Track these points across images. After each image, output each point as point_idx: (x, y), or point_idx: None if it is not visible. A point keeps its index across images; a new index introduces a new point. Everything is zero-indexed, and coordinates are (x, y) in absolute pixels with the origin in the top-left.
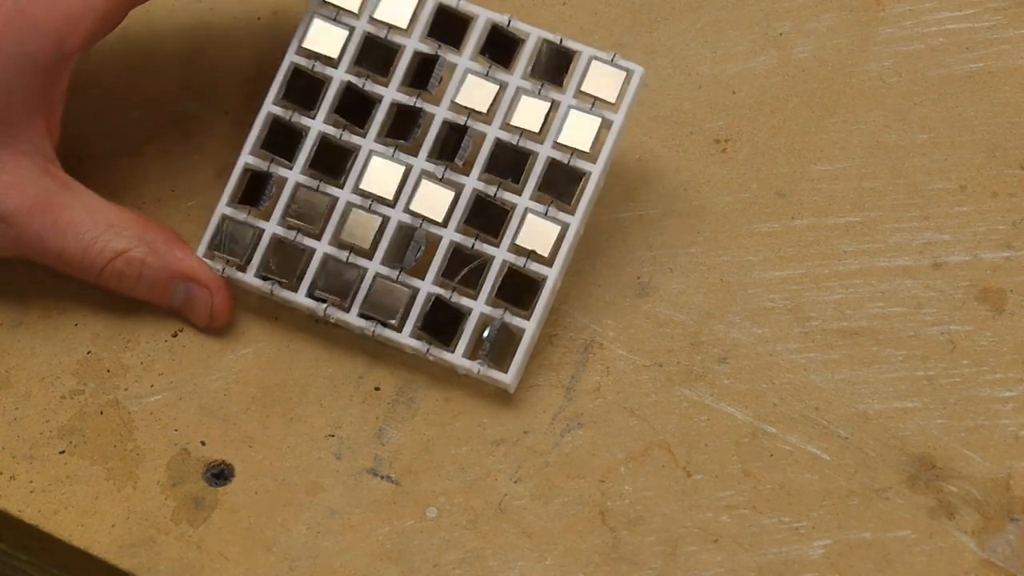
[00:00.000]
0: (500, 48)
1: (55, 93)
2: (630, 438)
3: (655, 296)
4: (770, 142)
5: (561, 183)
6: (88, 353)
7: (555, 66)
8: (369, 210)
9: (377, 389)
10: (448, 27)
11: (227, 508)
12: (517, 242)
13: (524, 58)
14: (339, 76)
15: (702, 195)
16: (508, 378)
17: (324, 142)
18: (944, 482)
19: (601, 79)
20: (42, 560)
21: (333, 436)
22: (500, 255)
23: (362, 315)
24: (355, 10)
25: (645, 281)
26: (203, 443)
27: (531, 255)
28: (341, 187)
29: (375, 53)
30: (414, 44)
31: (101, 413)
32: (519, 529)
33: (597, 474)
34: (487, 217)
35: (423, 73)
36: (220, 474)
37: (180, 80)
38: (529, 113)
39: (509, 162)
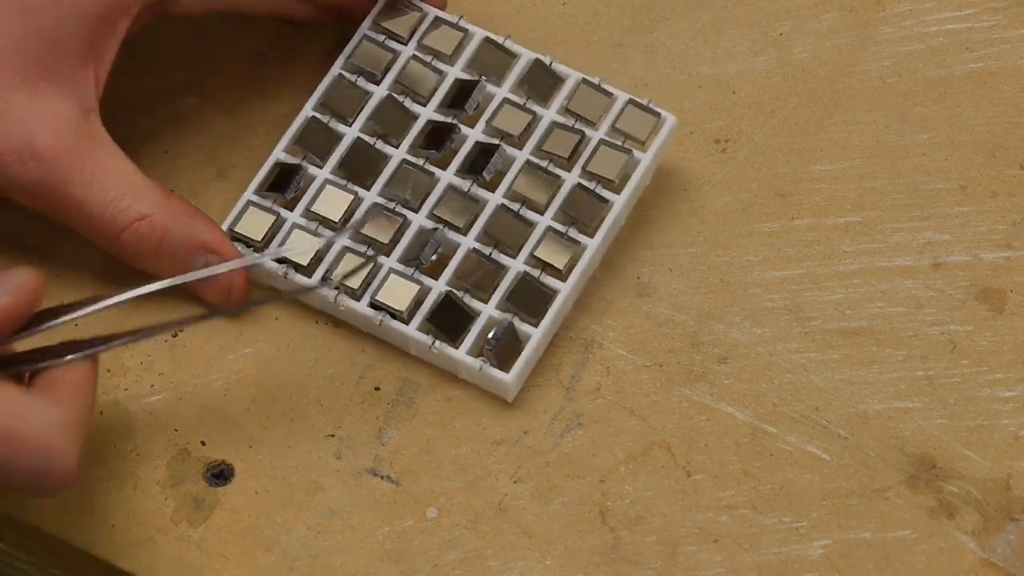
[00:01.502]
0: (539, 83)
1: (108, 44)
2: (630, 438)
3: (655, 296)
4: (770, 142)
5: (584, 208)
6: None
7: (591, 105)
8: (393, 211)
9: (377, 389)
10: (491, 60)
11: (227, 508)
12: (535, 254)
13: (562, 94)
14: (380, 92)
15: (702, 195)
16: (508, 379)
17: (357, 147)
18: (944, 482)
19: (635, 121)
20: (42, 560)
21: (333, 436)
22: (516, 266)
23: (371, 305)
24: (404, 35)
25: (645, 281)
26: (203, 443)
27: (546, 268)
28: (368, 189)
29: (417, 76)
30: (456, 72)
31: (101, 413)
32: (519, 529)
33: (597, 474)
34: (508, 230)
35: (462, 96)
36: (220, 474)
37: (180, 80)
38: (560, 142)
39: (536, 183)
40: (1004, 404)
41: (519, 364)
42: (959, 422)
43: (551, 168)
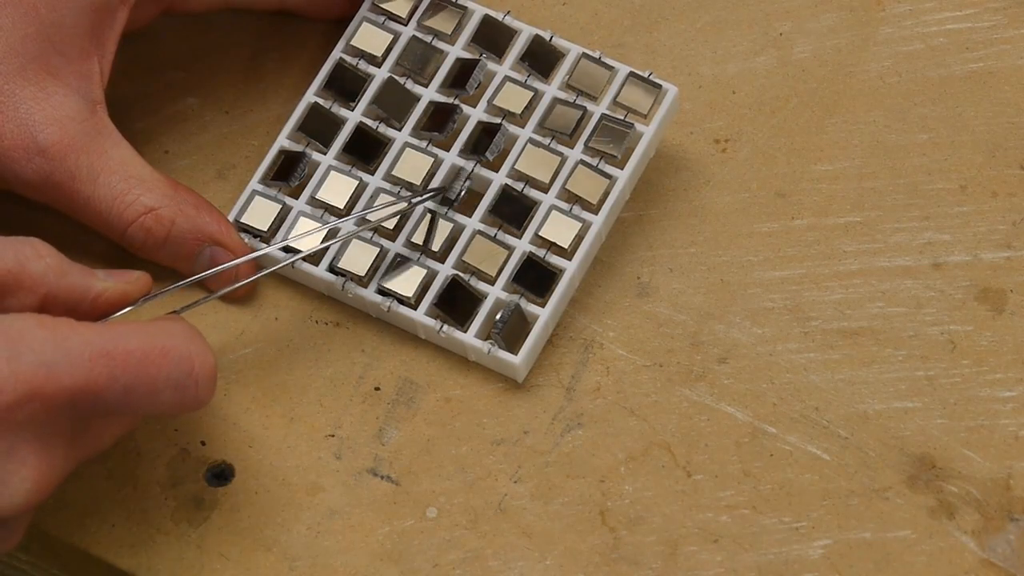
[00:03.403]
0: (540, 59)
1: (110, 35)
2: (630, 438)
3: (655, 296)
4: (770, 142)
5: (588, 185)
6: None
7: (592, 79)
8: (397, 196)
9: (377, 389)
10: (491, 37)
11: (227, 508)
12: (540, 234)
13: (562, 70)
14: (381, 74)
15: (702, 195)
16: (517, 361)
17: (360, 131)
18: (944, 482)
19: (636, 94)
20: (42, 560)
21: (333, 436)
22: (521, 246)
23: (379, 291)
24: (403, 16)
25: (645, 281)
26: (203, 443)
27: (552, 247)
28: (372, 174)
29: (418, 56)
30: (457, 51)
31: None
32: (519, 529)
33: (597, 474)
34: (512, 210)
35: (463, 76)
36: (220, 474)
37: (180, 80)
38: (562, 119)
39: (539, 162)
40: (1004, 404)
41: (527, 345)
42: (959, 422)
43: (553, 145)
